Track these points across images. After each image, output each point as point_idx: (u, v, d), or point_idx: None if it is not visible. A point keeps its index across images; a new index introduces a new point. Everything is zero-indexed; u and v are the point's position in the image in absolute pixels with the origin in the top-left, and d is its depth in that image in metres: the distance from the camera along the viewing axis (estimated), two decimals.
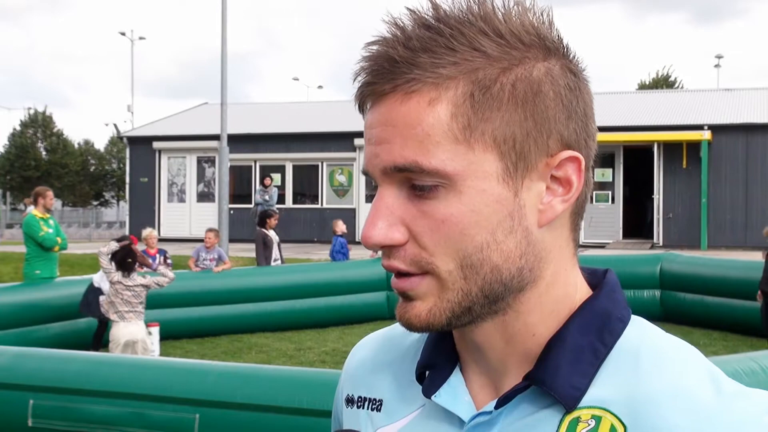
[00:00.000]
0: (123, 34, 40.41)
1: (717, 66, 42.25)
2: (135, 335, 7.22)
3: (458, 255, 0.71)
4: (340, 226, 12.35)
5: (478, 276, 0.72)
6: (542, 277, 0.75)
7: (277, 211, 12.17)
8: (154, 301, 8.59)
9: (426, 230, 0.71)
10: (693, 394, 0.69)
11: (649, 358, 0.73)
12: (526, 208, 0.72)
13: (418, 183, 0.71)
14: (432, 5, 0.72)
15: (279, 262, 11.69)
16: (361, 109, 0.76)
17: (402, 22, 0.72)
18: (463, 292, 0.72)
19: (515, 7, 0.72)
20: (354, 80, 0.74)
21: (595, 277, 0.80)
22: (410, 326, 0.75)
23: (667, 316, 10.43)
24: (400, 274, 0.74)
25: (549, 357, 0.74)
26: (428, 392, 0.80)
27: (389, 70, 0.71)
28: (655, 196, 21.74)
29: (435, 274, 0.72)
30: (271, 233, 11.58)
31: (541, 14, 0.73)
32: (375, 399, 0.87)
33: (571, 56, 0.75)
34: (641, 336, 0.75)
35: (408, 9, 0.73)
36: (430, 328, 0.74)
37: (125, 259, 7.25)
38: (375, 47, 0.73)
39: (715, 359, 4.55)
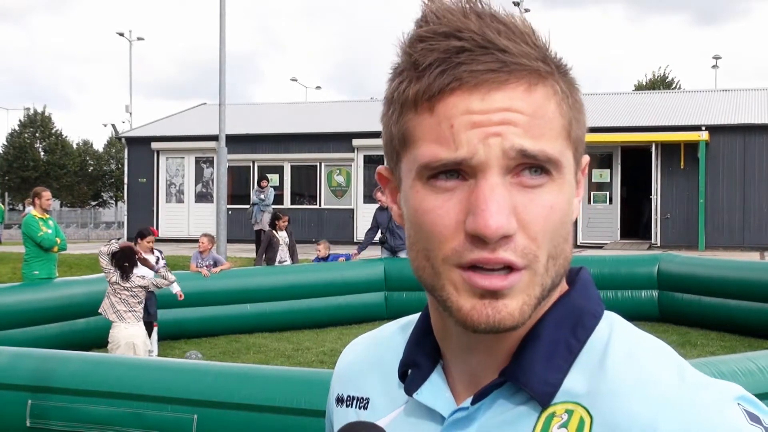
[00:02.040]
0: (121, 34, 39.99)
1: (715, 67, 42.32)
2: (135, 337, 7.21)
3: (550, 245, 0.71)
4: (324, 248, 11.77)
5: (554, 267, 0.72)
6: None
7: (280, 214, 12.07)
8: None
9: (538, 218, 0.70)
10: (657, 382, 0.70)
11: (618, 351, 0.73)
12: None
13: (534, 171, 0.70)
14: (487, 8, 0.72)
15: (287, 262, 11.65)
16: (433, 90, 0.70)
17: (467, 15, 0.71)
18: (543, 286, 0.71)
19: (533, 26, 0.75)
20: (443, 62, 0.69)
21: (569, 274, 0.81)
22: (500, 327, 0.70)
23: (664, 317, 10.40)
24: (492, 270, 0.69)
25: (524, 353, 0.74)
26: (410, 390, 0.81)
27: (500, 59, 0.69)
28: (653, 197, 21.73)
29: (532, 268, 0.70)
30: (281, 234, 11.55)
31: (548, 36, 0.76)
32: (362, 398, 0.89)
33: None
34: (612, 330, 0.76)
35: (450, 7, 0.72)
36: (516, 328, 0.71)
37: (123, 261, 7.24)
38: (456, 35, 0.70)
39: (712, 359, 4.56)
